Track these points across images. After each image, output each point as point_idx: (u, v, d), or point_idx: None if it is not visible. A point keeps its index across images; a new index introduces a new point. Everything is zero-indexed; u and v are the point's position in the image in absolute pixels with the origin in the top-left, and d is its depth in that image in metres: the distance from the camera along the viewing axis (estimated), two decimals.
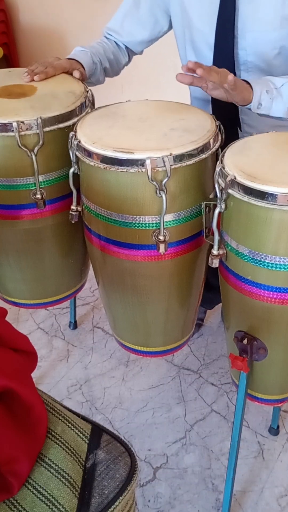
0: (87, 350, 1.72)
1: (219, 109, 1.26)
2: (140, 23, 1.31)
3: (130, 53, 1.40)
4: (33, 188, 1.12)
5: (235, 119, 1.27)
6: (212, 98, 1.27)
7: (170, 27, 1.33)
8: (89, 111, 1.15)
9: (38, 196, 1.12)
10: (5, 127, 1.04)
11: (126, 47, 1.38)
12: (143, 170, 0.94)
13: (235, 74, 1.21)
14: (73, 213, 1.14)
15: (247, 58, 1.18)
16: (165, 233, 1.01)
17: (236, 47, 1.18)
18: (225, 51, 1.18)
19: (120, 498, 0.72)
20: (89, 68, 1.28)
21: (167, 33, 1.37)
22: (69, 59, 1.27)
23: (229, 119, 1.25)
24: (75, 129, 1.05)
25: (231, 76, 1.00)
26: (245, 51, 1.18)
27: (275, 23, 1.12)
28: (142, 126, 1.04)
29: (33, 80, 1.19)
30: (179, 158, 0.95)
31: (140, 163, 0.94)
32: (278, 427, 1.44)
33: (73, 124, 1.09)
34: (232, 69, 1.19)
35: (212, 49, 1.20)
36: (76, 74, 1.23)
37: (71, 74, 1.24)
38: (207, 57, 1.22)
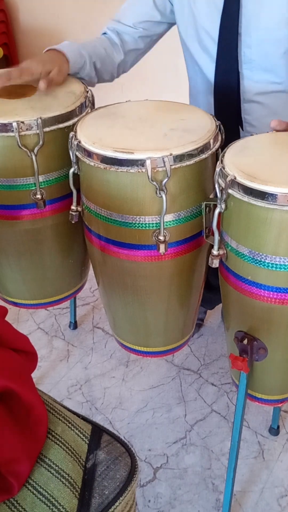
0: (87, 350, 1.72)
1: (222, 104, 1.25)
2: (141, 6, 1.28)
3: (131, 49, 1.33)
4: (33, 188, 1.12)
5: (238, 116, 1.27)
6: (215, 92, 1.26)
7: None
8: (89, 111, 1.15)
9: (38, 196, 1.12)
10: (5, 127, 1.04)
11: (127, 41, 1.31)
12: (143, 170, 0.94)
13: (238, 72, 1.21)
14: (73, 213, 1.14)
15: (252, 57, 1.18)
16: (165, 233, 1.01)
17: (241, 45, 1.18)
18: (229, 48, 1.18)
19: (121, 498, 0.72)
20: (75, 60, 1.20)
21: (168, 32, 1.36)
22: (49, 50, 1.20)
23: (232, 116, 1.24)
24: (75, 129, 1.05)
25: None
26: (250, 49, 1.17)
27: (281, 22, 1.11)
28: (142, 126, 1.04)
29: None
30: (179, 158, 0.95)
31: (140, 163, 0.94)
32: (278, 427, 1.44)
33: (73, 124, 1.09)
34: (235, 66, 1.19)
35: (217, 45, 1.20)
36: (42, 84, 1.10)
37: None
38: (212, 54, 1.22)
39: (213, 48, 1.21)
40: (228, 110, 1.24)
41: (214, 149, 1.01)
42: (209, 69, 1.25)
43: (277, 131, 1.00)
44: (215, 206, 0.95)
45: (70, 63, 1.19)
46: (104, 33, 1.34)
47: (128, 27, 1.31)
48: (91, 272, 1.34)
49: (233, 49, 1.18)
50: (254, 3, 1.12)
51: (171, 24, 1.33)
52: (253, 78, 1.21)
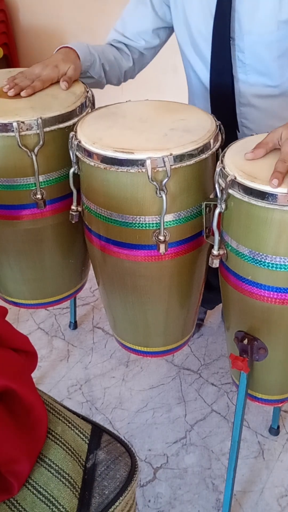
0: (87, 350, 1.72)
1: (218, 107, 1.25)
2: (142, 15, 1.29)
3: (138, 58, 1.35)
4: (34, 188, 1.12)
5: (233, 120, 1.27)
6: (211, 96, 1.27)
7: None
8: (89, 111, 1.15)
9: (39, 196, 1.12)
10: (5, 127, 1.04)
11: (134, 51, 1.33)
12: (143, 170, 0.94)
13: (232, 76, 1.21)
14: (73, 213, 1.14)
15: (245, 61, 1.18)
16: (165, 233, 1.01)
17: (234, 49, 1.18)
18: (222, 51, 1.18)
19: (121, 498, 0.72)
20: (85, 57, 1.21)
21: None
22: (63, 48, 1.21)
23: (228, 119, 1.24)
24: (75, 129, 1.05)
25: None
26: (243, 53, 1.17)
27: (272, 26, 1.11)
28: (142, 126, 1.04)
29: (18, 95, 1.11)
30: (179, 158, 0.95)
31: (140, 163, 0.94)
32: (278, 427, 1.44)
33: (73, 124, 1.09)
34: (230, 70, 1.19)
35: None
36: (63, 85, 1.15)
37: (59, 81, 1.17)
38: (207, 57, 1.22)
39: (208, 52, 1.21)
40: (224, 113, 1.24)
41: (214, 149, 1.01)
42: (204, 72, 1.25)
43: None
44: (215, 206, 0.95)
45: (81, 59, 1.21)
46: (110, 44, 1.34)
47: (133, 41, 1.32)
48: (91, 272, 1.34)
49: (226, 53, 1.18)
50: (245, 7, 1.12)
51: (173, 29, 1.33)
52: (248, 81, 1.21)
